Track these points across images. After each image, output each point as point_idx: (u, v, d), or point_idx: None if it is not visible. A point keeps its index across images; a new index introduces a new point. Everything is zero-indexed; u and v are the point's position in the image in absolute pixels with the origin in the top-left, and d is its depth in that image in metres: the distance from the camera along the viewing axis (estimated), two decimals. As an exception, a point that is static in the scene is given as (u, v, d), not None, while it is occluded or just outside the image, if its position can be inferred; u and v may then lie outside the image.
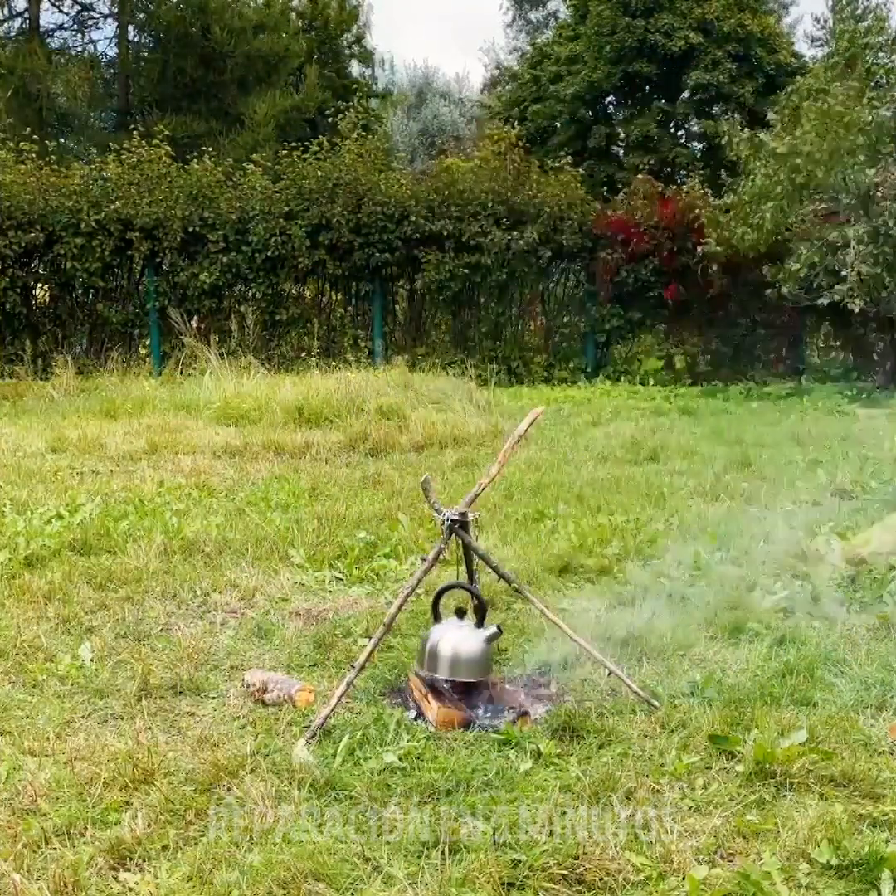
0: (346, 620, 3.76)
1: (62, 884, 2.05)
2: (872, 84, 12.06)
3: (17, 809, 2.34)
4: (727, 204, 13.19)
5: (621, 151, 27.28)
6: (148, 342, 13.93)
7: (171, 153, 14.22)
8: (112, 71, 23.52)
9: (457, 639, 2.97)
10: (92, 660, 3.28)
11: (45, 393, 10.65)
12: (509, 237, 13.89)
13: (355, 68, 29.92)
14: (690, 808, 2.39)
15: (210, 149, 15.14)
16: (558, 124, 27.14)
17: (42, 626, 3.61)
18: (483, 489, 3.13)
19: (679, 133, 27.53)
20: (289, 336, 14.01)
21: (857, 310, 11.56)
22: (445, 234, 13.88)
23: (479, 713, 2.92)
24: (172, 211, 13.42)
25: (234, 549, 4.65)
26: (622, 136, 26.92)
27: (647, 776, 2.52)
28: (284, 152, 14.63)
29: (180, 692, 3.07)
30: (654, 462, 7.26)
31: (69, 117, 21.59)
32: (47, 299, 14.18)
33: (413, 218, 13.88)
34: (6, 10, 22.14)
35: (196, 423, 8.82)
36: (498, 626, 3.01)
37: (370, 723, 2.81)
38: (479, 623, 3.00)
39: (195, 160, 14.29)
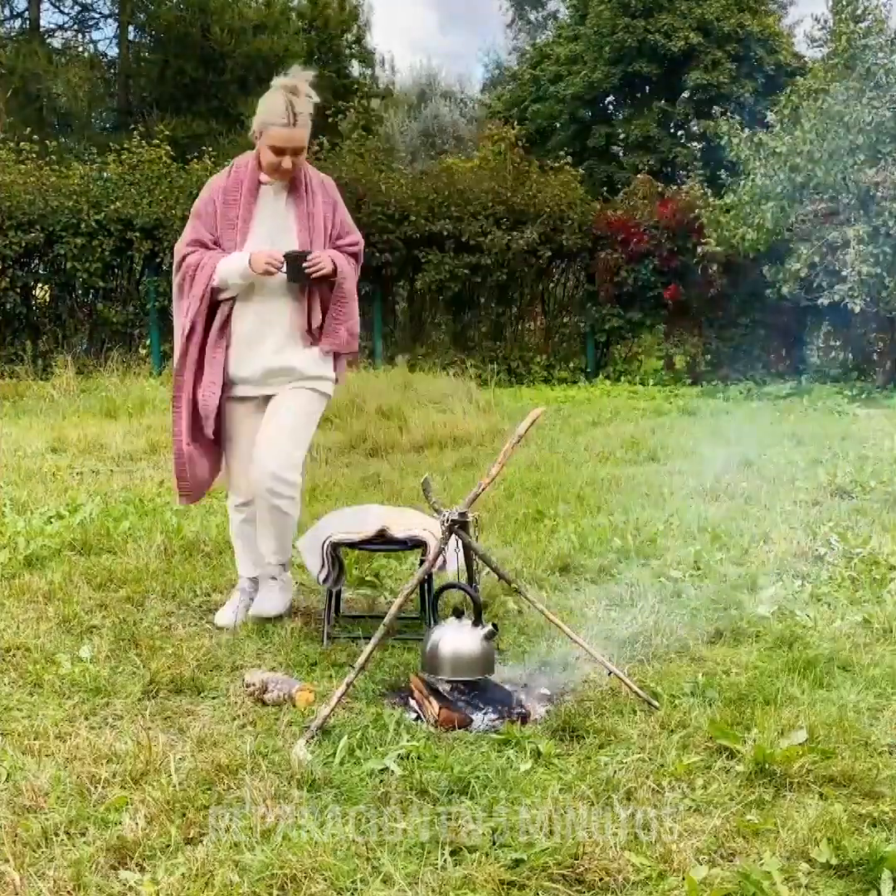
0: (347, 620, 3.77)
1: (62, 883, 2.05)
2: (872, 84, 12.05)
3: (18, 809, 2.34)
4: (727, 204, 13.18)
5: (621, 151, 27.31)
6: (148, 342, 13.92)
7: (171, 153, 14.22)
8: (112, 71, 23.53)
9: (457, 638, 2.98)
10: (92, 660, 3.29)
11: (45, 393, 10.63)
12: (509, 237, 13.89)
13: (355, 68, 29.95)
14: (690, 808, 2.39)
15: (210, 149, 15.14)
16: (558, 124, 27.19)
17: (42, 626, 3.61)
18: (483, 489, 3.13)
19: (679, 133, 27.55)
20: (289, 336, 14.00)
21: (857, 310, 11.55)
22: (445, 234, 13.87)
23: (479, 713, 2.92)
24: (172, 211, 13.40)
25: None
26: (622, 136, 26.95)
27: (647, 776, 2.52)
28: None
29: (180, 692, 3.07)
30: (654, 462, 7.26)
31: (69, 117, 21.58)
32: (47, 299, 14.17)
33: (413, 218, 13.87)
34: (6, 10, 22.16)
35: (196, 423, 8.80)
36: (493, 625, 3.03)
37: (370, 723, 2.81)
38: (476, 622, 3.01)
39: (195, 160, 14.28)
